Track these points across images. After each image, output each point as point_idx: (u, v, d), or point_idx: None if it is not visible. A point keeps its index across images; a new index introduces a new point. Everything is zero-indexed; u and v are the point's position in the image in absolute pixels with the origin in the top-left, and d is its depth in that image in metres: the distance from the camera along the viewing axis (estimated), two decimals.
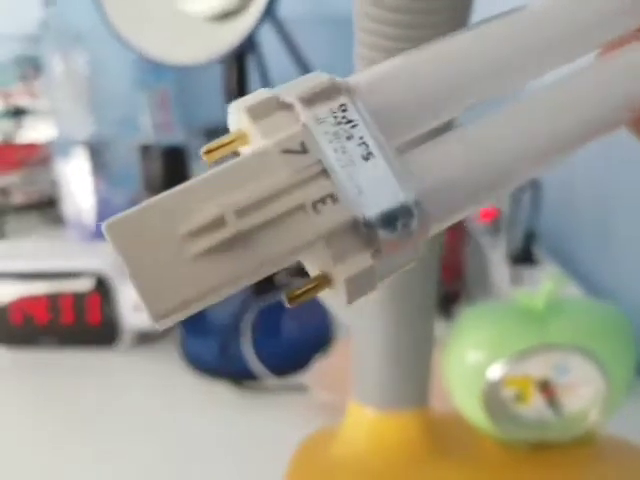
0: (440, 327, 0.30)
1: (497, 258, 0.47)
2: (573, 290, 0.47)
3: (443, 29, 0.19)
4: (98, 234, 0.56)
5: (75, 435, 0.38)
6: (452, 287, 0.46)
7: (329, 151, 0.11)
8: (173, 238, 0.10)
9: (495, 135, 0.12)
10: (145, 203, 0.10)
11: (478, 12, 0.20)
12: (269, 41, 0.40)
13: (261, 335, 0.42)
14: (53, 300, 0.44)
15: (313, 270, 0.12)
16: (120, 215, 0.10)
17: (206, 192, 0.10)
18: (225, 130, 0.12)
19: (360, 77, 0.12)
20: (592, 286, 0.48)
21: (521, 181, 0.12)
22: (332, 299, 0.12)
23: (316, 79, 0.11)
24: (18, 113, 0.68)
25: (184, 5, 0.38)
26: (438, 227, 0.12)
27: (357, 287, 0.11)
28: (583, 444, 0.30)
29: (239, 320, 0.42)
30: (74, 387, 0.42)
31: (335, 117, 0.11)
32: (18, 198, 0.67)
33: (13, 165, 0.67)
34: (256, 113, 0.11)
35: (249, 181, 0.10)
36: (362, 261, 0.11)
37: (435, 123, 0.12)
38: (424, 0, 0.19)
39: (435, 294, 0.29)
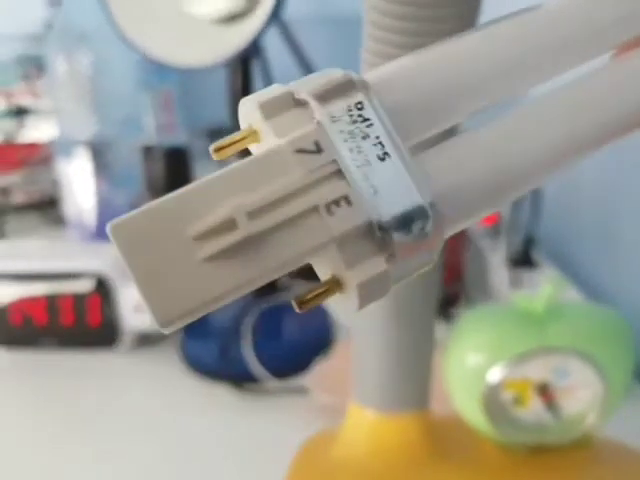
0: (439, 329, 0.30)
1: (497, 261, 0.48)
2: (573, 294, 0.47)
3: (449, 37, 0.19)
4: (99, 235, 0.56)
5: (75, 437, 0.38)
6: (452, 289, 0.47)
7: (344, 151, 0.10)
8: (181, 241, 0.10)
9: (510, 137, 0.12)
10: (152, 203, 0.10)
11: (485, 18, 0.20)
12: (273, 43, 0.40)
13: (262, 337, 0.42)
14: (53, 301, 0.44)
15: (323, 273, 0.11)
16: (126, 216, 0.10)
17: (216, 193, 0.10)
18: (228, 132, 0.11)
19: (373, 75, 0.11)
20: (592, 290, 0.49)
21: (536, 184, 0.12)
22: (340, 303, 0.11)
23: (331, 75, 0.11)
24: (20, 112, 0.68)
25: (190, 7, 0.39)
26: (452, 230, 0.11)
27: (369, 292, 0.10)
28: (581, 447, 0.30)
29: (240, 322, 0.42)
30: (74, 389, 0.42)
31: (351, 115, 0.10)
32: (19, 198, 0.67)
33: (14, 164, 0.67)
34: (269, 110, 0.10)
35: (261, 181, 0.10)
36: (376, 266, 0.10)
37: (448, 124, 0.12)
38: (430, 8, 0.19)
39: (436, 296, 0.29)
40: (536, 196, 0.46)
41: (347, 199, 0.10)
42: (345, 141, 0.10)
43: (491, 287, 0.47)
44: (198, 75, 0.65)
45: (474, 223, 0.12)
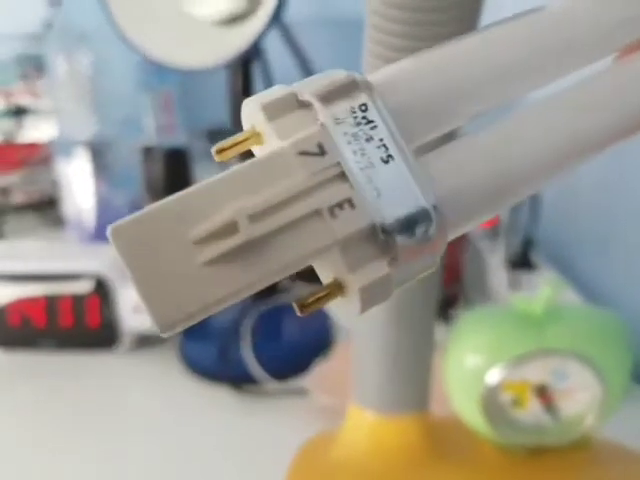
0: (438, 330, 0.30)
1: (496, 263, 0.48)
2: (571, 296, 0.47)
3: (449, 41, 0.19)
4: (98, 235, 0.56)
5: (74, 439, 0.38)
6: (451, 291, 0.47)
7: (348, 153, 0.10)
8: (182, 244, 0.10)
9: (511, 140, 0.12)
10: (153, 206, 0.10)
11: (485, 20, 0.20)
12: (274, 44, 0.40)
13: (261, 339, 0.42)
14: (52, 302, 0.44)
15: (325, 276, 0.11)
16: (126, 219, 0.09)
17: (218, 195, 0.10)
18: (228, 133, 0.11)
19: (376, 76, 0.11)
20: (590, 292, 0.49)
21: (537, 188, 0.12)
22: (342, 307, 0.11)
23: (334, 75, 0.11)
24: (19, 112, 0.68)
25: (191, 8, 0.39)
26: (455, 233, 0.11)
27: (372, 296, 0.10)
28: (579, 448, 0.30)
29: (239, 324, 0.42)
30: (73, 390, 0.42)
31: (355, 117, 0.10)
32: (18, 198, 0.67)
33: (14, 165, 0.67)
34: (272, 112, 0.10)
35: (263, 184, 0.10)
36: (378, 269, 0.10)
37: (452, 126, 0.12)
38: (431, 13, 0.19)
39: (435, 298, 0.29)
40: (535, 199, 0.47)
41: (350, 202, 0.10)
42: (349, 143, 0.10)
43: (490, 289, 0.47)
44: (198, 76, 0.65)
45: (475, 227, 0.12)
